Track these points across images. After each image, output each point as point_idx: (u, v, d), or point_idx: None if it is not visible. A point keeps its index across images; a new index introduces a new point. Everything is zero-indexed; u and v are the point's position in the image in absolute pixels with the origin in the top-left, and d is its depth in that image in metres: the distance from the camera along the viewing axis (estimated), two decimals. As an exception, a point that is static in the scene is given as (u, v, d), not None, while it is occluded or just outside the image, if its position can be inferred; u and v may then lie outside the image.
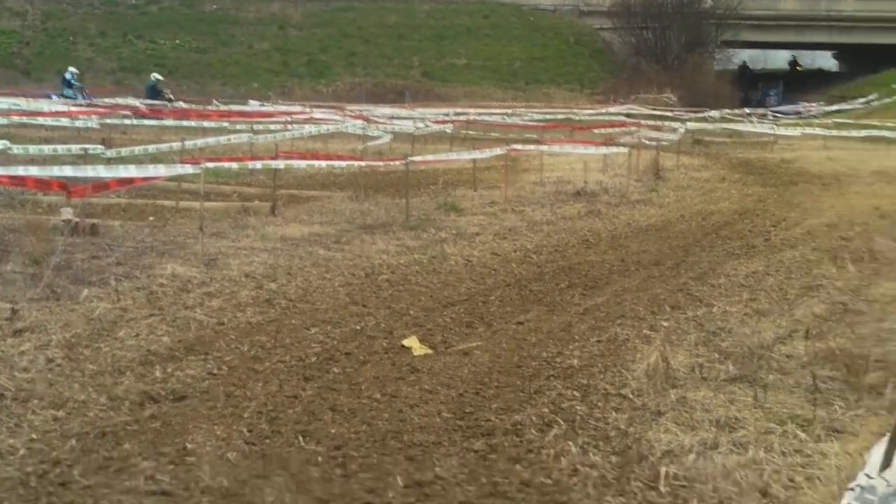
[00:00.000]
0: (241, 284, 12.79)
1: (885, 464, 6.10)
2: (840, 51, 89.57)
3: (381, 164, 22.62)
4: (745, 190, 26.19)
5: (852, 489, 6.28)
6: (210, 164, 17.31)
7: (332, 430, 7.91)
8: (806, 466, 7.13)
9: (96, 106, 37.77)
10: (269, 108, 46.12)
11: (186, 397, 8.58)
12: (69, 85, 43.71)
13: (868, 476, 6.20)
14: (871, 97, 63.78)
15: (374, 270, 13.98)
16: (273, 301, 12.07)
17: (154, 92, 44.24)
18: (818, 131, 42.31)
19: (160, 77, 47.09)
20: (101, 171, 15.35)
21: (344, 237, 16.34)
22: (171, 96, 45.03)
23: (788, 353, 9.99)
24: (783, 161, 35.14)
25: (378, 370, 9.51)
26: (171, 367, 9.32)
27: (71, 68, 45.88)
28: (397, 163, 21.39)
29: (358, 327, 11.02)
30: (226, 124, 31.14)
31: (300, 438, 7.71)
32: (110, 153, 20.51)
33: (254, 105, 47.62)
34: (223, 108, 44.24)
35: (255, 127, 29.69)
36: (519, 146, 27.01)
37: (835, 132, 41.69)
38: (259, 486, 6.81)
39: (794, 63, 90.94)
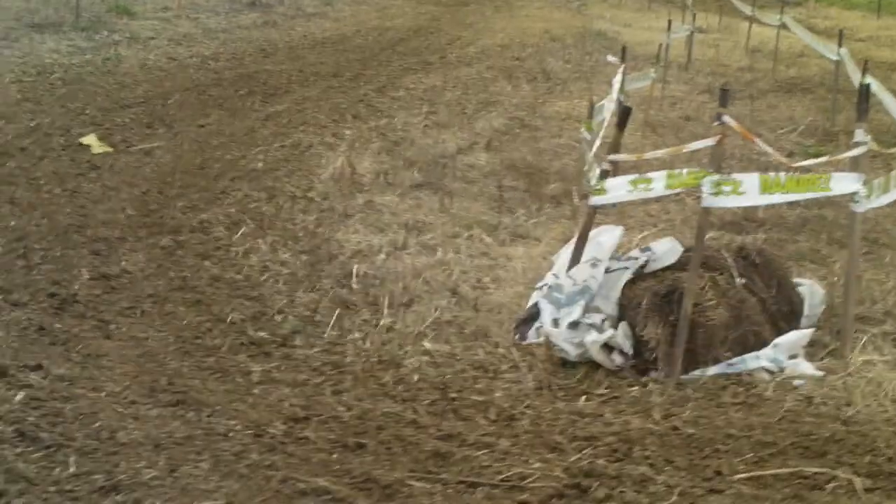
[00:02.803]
0: None
1: (572, 265, 6.31)
2: None
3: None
4: (419, 8, 26.22)
5: (539, 288, 6.50)
6: None
7: (12, 223, 7.65)
8: (493, 268, 7.31)
9: None
10: None
11: None
12: None
13: (555, 276, 6.42)
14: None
15: (45, 69, 13.43)
16: (-63, 95, 11.50)
17: None
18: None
19: None
20: None
21: (11, 34, 15.57)
22: None
23: (471, 163, 10.15)
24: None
25: (57, 166, 9.23)
26: None
27: None
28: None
29: (32, 124, 10.63)
30: None
31: (-23, 230, 7.43)
32: None
33: None
34: None
35: None
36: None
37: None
38: (-64, 276, 6.54)
39: None
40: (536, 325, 6.15)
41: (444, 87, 14.48)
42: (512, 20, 23.73)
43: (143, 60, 14.89)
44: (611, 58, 10.86)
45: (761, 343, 5.86)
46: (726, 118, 5.69)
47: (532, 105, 13.35)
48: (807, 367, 5.73)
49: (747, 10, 19.84)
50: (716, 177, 5.59)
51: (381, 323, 6.28)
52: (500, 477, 4.53)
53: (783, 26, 17.03)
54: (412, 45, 19.10)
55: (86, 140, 10.08)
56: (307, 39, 18.72)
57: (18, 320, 5.96)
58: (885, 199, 5.90)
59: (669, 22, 14.46)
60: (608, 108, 8.26)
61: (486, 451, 4.76)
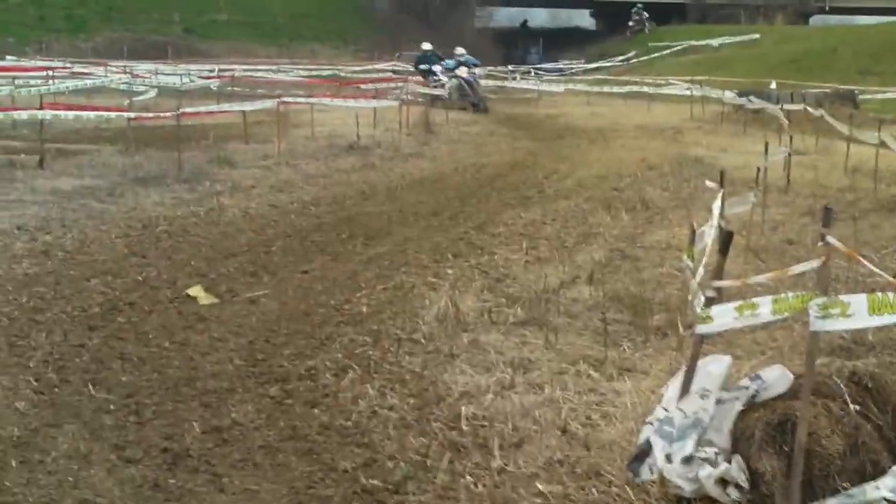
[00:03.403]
0: (14, 237, 12.42)
1: (682, 397, 6.25)
2: (596, 9, 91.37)
3: (150, 115, 22.10)
4: (514, 144, 26.51)
5: (650, 423, 6.43)
6: (-26, 115, 16.71)
7: (123, 379, 7.75)
8: (601, 404, 7.23)
9: None
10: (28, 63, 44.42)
11: (-33, 349, 8.29)
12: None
13: (665, 409, 6.35)
14: (629, 55, 65.23)
15: (151, 223, 13.71)
16: (49, 253, 11.75)
17: None
18: (581, 87, 43.12)
19: None
20: None
21: (117, 190, 15.98)
22: None
23: (574, 297, 10.12)
24: (549, 116, 35.71)
25: (164, 319, 9.35)
26: (-53, 319, 9.00)
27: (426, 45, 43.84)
28: (167, 115, 21.00)
29: (140, 278, 10.81)
30: (-16, 78, 30.05)
31: (90, 387, 7.52)
32: None
33: (11, 60, 45.86)
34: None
35: (17, 81, 28.74)
36: (289, 99, 26.84)
37: (597, 88, 42.56)
38: (51, 434, 6.62)
39: (524, 24, 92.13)
40: (649, 460, 6.08)
41: (543, 221, 14.54)
42: (607, 151, 23.85)
43: (246, 209, 15.14)
44: (709, 183, 10.82)
45: (880, 471, 5.73)
46: (830, 239, 5.63)
47: (632, 235, 13.33)
48: (929, 495, 5.59)
49: (845, 129, 19.76)
50: (823, 299, 5.52)
51: (493, 465, 6.23)
52: None
53: (882, 144, 16.93)
54: (509, 180, 19.25)
55: (192, 292, 10.22)
56: (405, 180, 18.95)
57: (133, 477, 6.01)
58: None
59: (766, 145, 14.40)
60: (709, 234, 8.22)
61: None
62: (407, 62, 57.40)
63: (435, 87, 38.05)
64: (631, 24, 78.85)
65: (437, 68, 41.16)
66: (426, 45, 43.61)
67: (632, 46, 68.00)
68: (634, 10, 79.21)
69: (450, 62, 41.16)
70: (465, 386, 7.61)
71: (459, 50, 41.41)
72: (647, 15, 78.50)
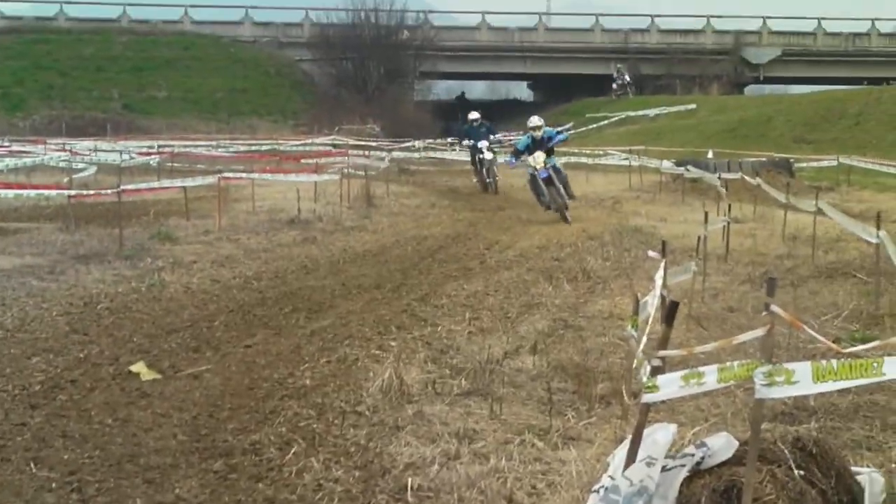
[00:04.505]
0: (-47, 315, 12.32)
1: (628, 464, 6.27)
2: (534, 81, 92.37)
3: (90, 192, 22.01)
4: (455, 215, 26.59)
5: (596, 491, 6.44)
6: (-89, 194, 16.61)
7: (65, 456, 7.67)
8: (546, 473, 7.24)
9: None
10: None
11: None
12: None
13: (611, 478, 6.37)
14: (567, 125, 65.85)
15: (92, 300, 13.63)
16: (-11, 331, 11.66)
17: None
18: (524, 166, 43.40)
19: None
20: None
21: (58, 267, 15.90)
22: None
23: (517, 367, 10.15)
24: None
25: (107, 396, 9.28)
26: None
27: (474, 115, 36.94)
28: (108, 191, 20.94)
29: (81, 355, 10.74)
30: (-80, 157, 29.87)
31: (31, 465, 7.45)
32: None
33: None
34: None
35: (-48, 160, 28.62)
36: (230, 174, 26.89)
37: (536, 159, 42.80)
38: (-7, 514, 6.55)
39: (461, 97, 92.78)
40: (595, 529, 6.08)
41: (485, 291, 14.58)
42: (547, 222, 23.97)
43: (187, 284, 15.09)
44: (652, 253, 10.94)
45: (825, 536, 5.77)
46: (774, 307, 5.70)
47: (574, 305, 13.39)
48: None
49: (782, 197, 20.01)
50: (768, 367, 5.57)
51: (439, 536, 6.23)
52: None
53: (819, 212, 17.14)
54: (451, 251, 19.30)
55: (135, 368, 10.16)
56: (347, 253, 18.95)
57: (75, 556, 5.96)
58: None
59: (706, 214, 14.54)
60: (652, 303, 8.28)
61: None
62: (347, 135, 57.67)
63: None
64: (614, 86, 79.41)
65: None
66: (535, 121, 28.52)
67: (568, 118, 68.55)
68: (616, 73, 79.78)
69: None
70: (411, 457, 7.59)
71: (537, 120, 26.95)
72: (628, 79, 78.96)
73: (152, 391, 9.46)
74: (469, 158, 37.39)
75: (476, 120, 36.23)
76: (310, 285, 15.21)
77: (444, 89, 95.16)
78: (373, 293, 14.59)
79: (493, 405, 8.79)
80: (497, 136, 38.27)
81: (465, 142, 36.98)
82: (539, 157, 25.47)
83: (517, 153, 26.62)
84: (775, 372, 5.58)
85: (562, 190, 25.06)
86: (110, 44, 78.96)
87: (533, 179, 25.80)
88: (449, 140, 41.66)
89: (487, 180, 34.50)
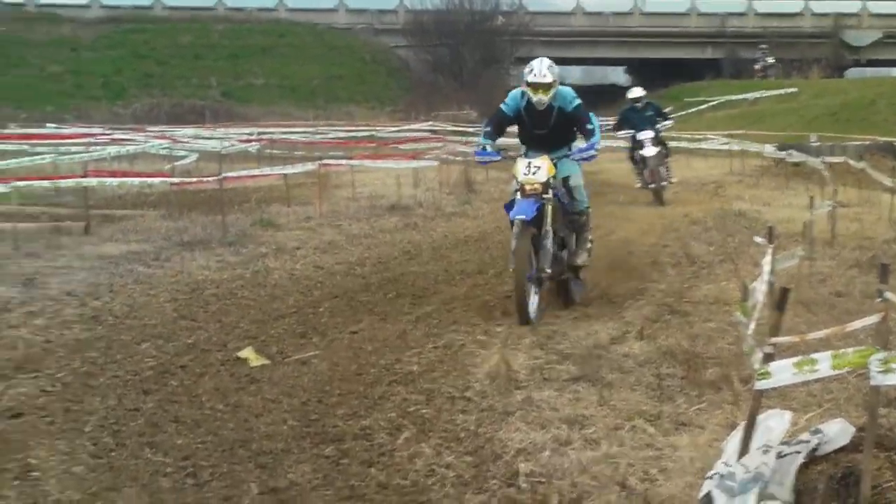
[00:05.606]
0: (64, 303, 12.51)
1: (743, 451, 6.22)
2: (631, 65, 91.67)
3: (192, 180, 22.22)
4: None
5: (711, 477, 6.39)
6: (20, 183, 16.87)
7: (178, 441, 7.77)
8: (659, 459, 7.21)
9: None
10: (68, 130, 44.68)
11: (23, 414, 8.33)
12: None
13: (726, 464, 6.32)
14: (666, 110, 65.39)
15: (198, 286, 13.79)
16: (99, 318, 11.82)
17: None
18: (620, 143, 43.15)
19: None
20: None
21: (163, 254, 16.12)
22: None
23: (625, 352, 10.11)
24: (588, 173, 35.56)
25: (217, 381, 9.38)
26: (1, 385, 9.05)
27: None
28: (209, 179, 21.14)
29: (190, 341, 10.87)
30: (26, 146, 30.29)
31: (146, 450, 7.55)
32: None
33: (51, 128, 46.19)
34: (20, 131, 42.40)
35: (59, 149, 29.00)
36: (330, 161, 27.01)
37: (635, 144, 42.51)
38: (110, 498, 6.64)
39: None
40: (710, 515, 6.04)
41: (588, 277, 14.51)
42: (649, 206, 23.81)
43: (291, 270, 15.21)
44: (758, 238, 10.82)
45: (946, 523, 5.68)
46: (888, 294, 5.62)
47: (679, 290, 13.26)
48: None
49: (887, 181, 19.70)
50: (883, 354, 5.49)
51: (552, 522, 6.22)
52: None
53: (926, 195, 16.88)
54: (555, 237, 19.21)
55: (243, 354, 10.25)
56: (448, 239, 18.97)
57: (193, 540, 6.03)
58: None
59: (811, 198, 14.35)
60: (760, 289, 8.20)
61: None
62: (444, 121, 57.56)
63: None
64: (757, 67, 78.19)
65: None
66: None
67: (667, 102, 68.10)
68: (759, 55, 78.51)
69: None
70: (521, 443, 7.59)
71: None
72: (771, 60, 77.57)
73: (261, 377, 9.54)
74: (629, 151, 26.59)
75: (638, 100, 26.04)
76: (413, 271, 15.24)
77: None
78: (476, 279, 14.59)
79: (601, 391, 8.77)
80: (669, 121, 27.31)
81: (622, 132, 26.34)
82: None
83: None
84: (891, 359, 5.50)
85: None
86: (207, 32, 79.52)
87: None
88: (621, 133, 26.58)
89: (650, 185, 25.14)
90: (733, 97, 66.94)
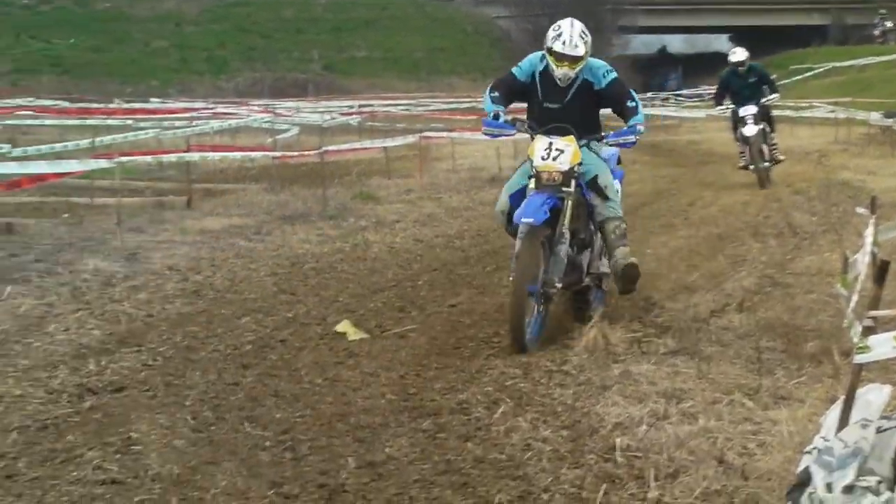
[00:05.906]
0: (166, 277, 12.66)
1: (842, 426, 6.14)
2: (734, 33, 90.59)
3: (294, 153, 22.37)
4: (656, 172, 26.38)
5: (809, 452, 6.32)
6: (124, 159, 17.08)
7: (277, 415, 7.82)
8: (757, 433, 7.13)
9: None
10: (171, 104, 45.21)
11: (125, 388, 8.43)
12: None
13: (824, 439, 6.24)
14: (773, 77, 64.64)
15: (298, 260, 13.90)
16: (200, 292, 11.95)
17: None
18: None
19: None
20: (14, 168, 15.08)
21: (264, 228, 16.26)
22: None
23: (724, 325, 10.03)
24: (690, 143, 35.51)
25: (316, 355, 9.44)
26: (104, 359, 9.14)
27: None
28: (311, 153, 21.27)
29: (290, 315, 10.94)
30: (130, 121, 30.68)
31: (246, 424, 7.61)
32: (17, 151, 20.11)
33: (155, 103, 46.75)
34: (125, 105, 42.95)
35: (162, 123, 29.35)
36: (431, 133, 27.03)
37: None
38: (210, 471, 6.70)
39: (663, 50, 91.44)
40: (809, 490, 5.98)
41: (689, 247, 14.41)
42: (751, 176, 23.53)
43: (391, 244, 15.28)
44: (860, 209, 10.64)
45: None
46: None
47: (781, 262, 13.15)
48: None
49: None
50: None
51: (649, 496, 6.18)
52: None
53: None
54: (654, 207, 19.13)
55: (341, 328, 10.30)
56: (549, 212, 18.88)
57: (292, 513, 6.08)
58: None
59: (918, 167, 14.13)
60: (861, 261, 8.08)
61: None
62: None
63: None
64: (876, 32, 76.90)
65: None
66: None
67: (771, 70, 67.34)
68: (877, 20, 77.20)
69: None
70: (619, 417, 7.55)
71: None
72: (891, 24, 76.11)
73: (360, 351, 9.59)
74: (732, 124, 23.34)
75: (741, 63, 22.48)
76: (513, 243, 15.20)
77: (641, 43, 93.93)
78: (575, 250, 14.52)
79: (700, 364, 8.70)
80: (775, 95, 23.00)
81: (720, 107, 24.06)
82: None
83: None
84: None
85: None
86: (309, 5, 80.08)
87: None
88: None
89: (751, 166, 22.38)
90: (839, 64, 65.91)
